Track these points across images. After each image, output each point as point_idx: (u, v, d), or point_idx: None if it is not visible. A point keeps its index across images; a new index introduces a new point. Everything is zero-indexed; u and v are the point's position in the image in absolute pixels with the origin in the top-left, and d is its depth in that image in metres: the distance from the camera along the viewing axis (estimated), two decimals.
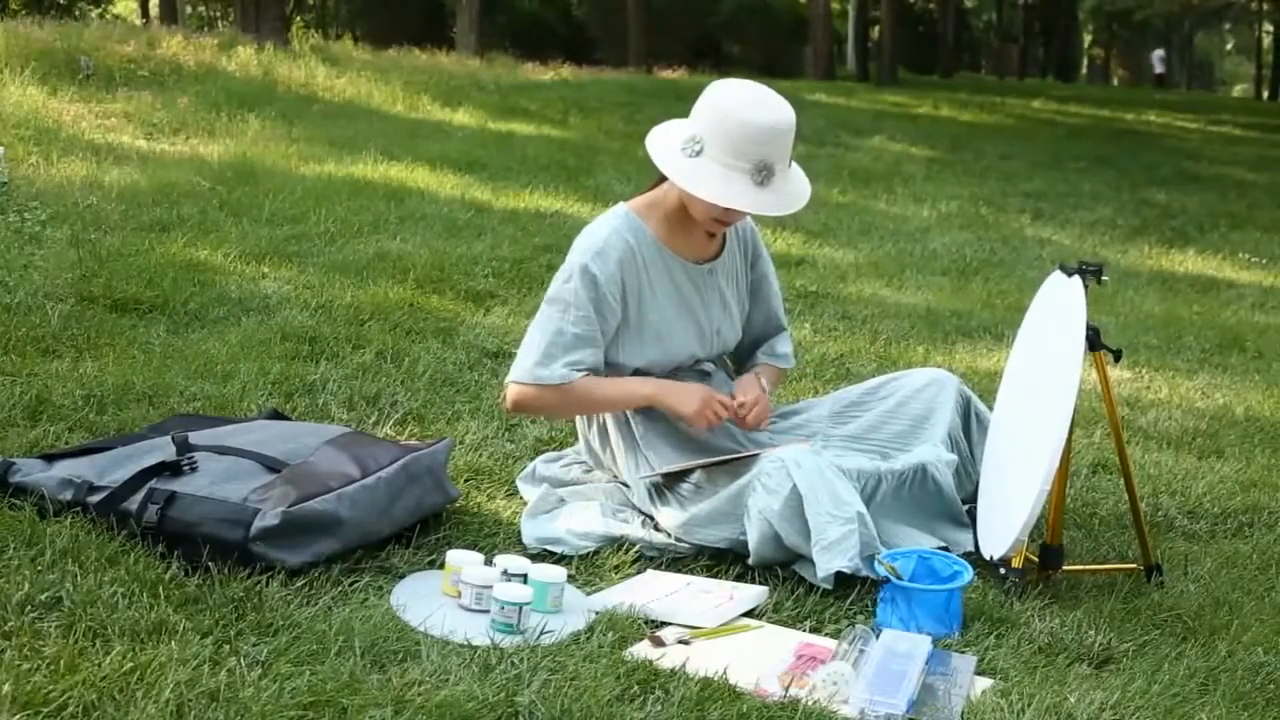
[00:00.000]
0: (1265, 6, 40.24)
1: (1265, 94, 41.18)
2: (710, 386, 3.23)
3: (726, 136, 2.90)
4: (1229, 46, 62.20)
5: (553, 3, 30.91)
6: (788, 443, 3.13)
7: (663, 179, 3.07)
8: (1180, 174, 12.66)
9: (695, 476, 3.04)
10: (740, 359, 3.37)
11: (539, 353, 3.01)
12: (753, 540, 2.86)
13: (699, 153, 2.93)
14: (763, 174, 2.92)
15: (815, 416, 3.29)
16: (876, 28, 33.38)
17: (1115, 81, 54.18)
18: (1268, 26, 44.59)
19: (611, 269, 3.02)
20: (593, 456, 3.26)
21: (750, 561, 2.89)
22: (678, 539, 3.00)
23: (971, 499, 3.17)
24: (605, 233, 3.06)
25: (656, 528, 3.04)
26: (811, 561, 2.79)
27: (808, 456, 2.86)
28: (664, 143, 3.01)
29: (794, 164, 3.03)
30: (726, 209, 2.97)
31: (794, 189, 3.00)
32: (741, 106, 2.92)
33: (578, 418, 3.25)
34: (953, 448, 3.17)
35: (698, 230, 3.11)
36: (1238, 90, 59.16)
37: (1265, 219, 10.21)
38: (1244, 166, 13.97)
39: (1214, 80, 63.40)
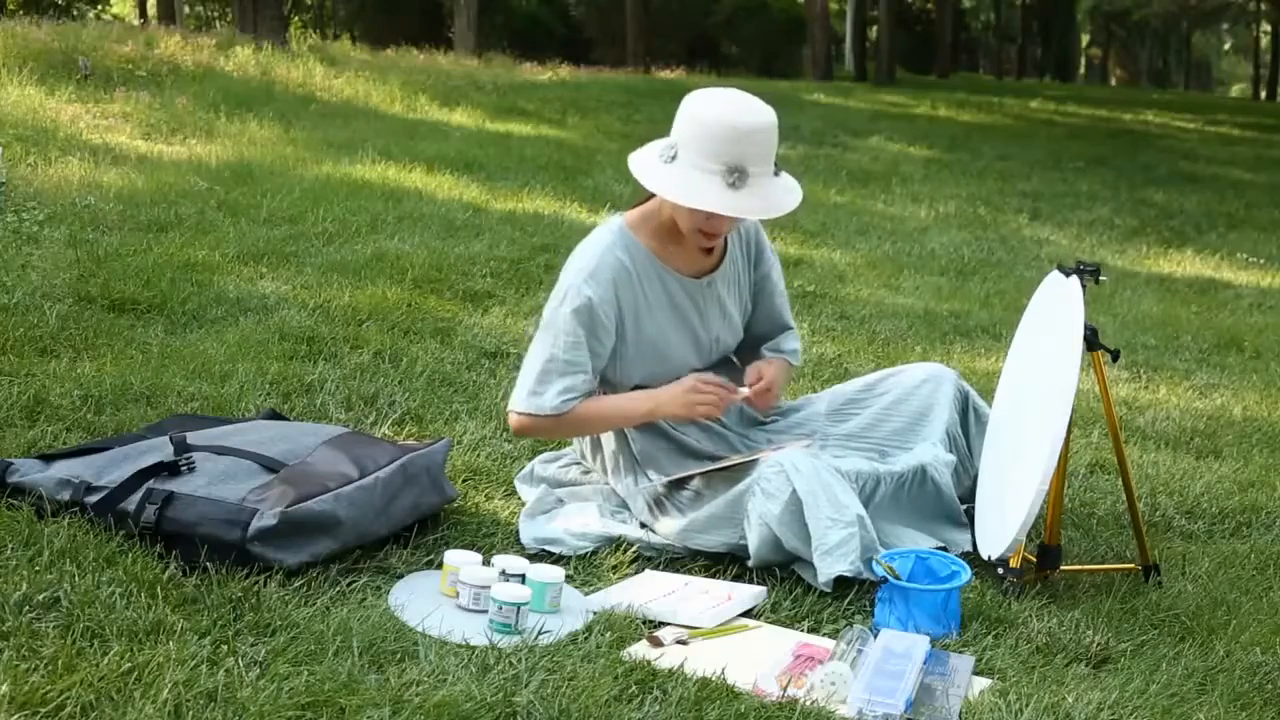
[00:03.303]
0: (1263, 6, 40.28)
1: (1263, 94, 41.21)
2: None
3: (698, 139, 2.87)
4: (1227, 46, 62.23)
5: (551, 3, 30.89)
6: (786, 442, 3.13)
7: None
8: (1178, 174, 12.66)
9: (694, 483, 3.03)
10: (743, 359, 3.34)
11: (533, 380, 3.00)
12: (753, 544, 2.86)
13: (674, 158, 2.91)
14: (734, 175, 2.86)
15: (813, 414, 3.28)
16: (874, 28, 33.40)
17: (1113, 81, 54.22)
18: (1265, 26, 44.62)
19: (605, 290, 2.98)
20: (585, 454, 3.24)
21: (750, 564, 2.89)
22: (678, 544, 3.00)
23: (969, 496, 3.17)
24: (599, 251, 3.02)
25: (654, 532, 3.04)
26: (811, 564, 2.79)
27: (806, 460, 2.86)
28: (644, 152, 3.00)
29: (784, 173, 2.97)
30: (710, 219, 2.93)
31: (774, 195, 2.93)
32: (712, 109, 2.90)
33: None
34: (951, 445, 3.17)
35: (691, 242, 3.07)
36: (1235, 90, 59.20)
37: (1263, 219, 10.21)
38: (1241, 166, 13.97)
39: (1212, 80, 63.47)
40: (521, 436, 3.32)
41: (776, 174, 2.94)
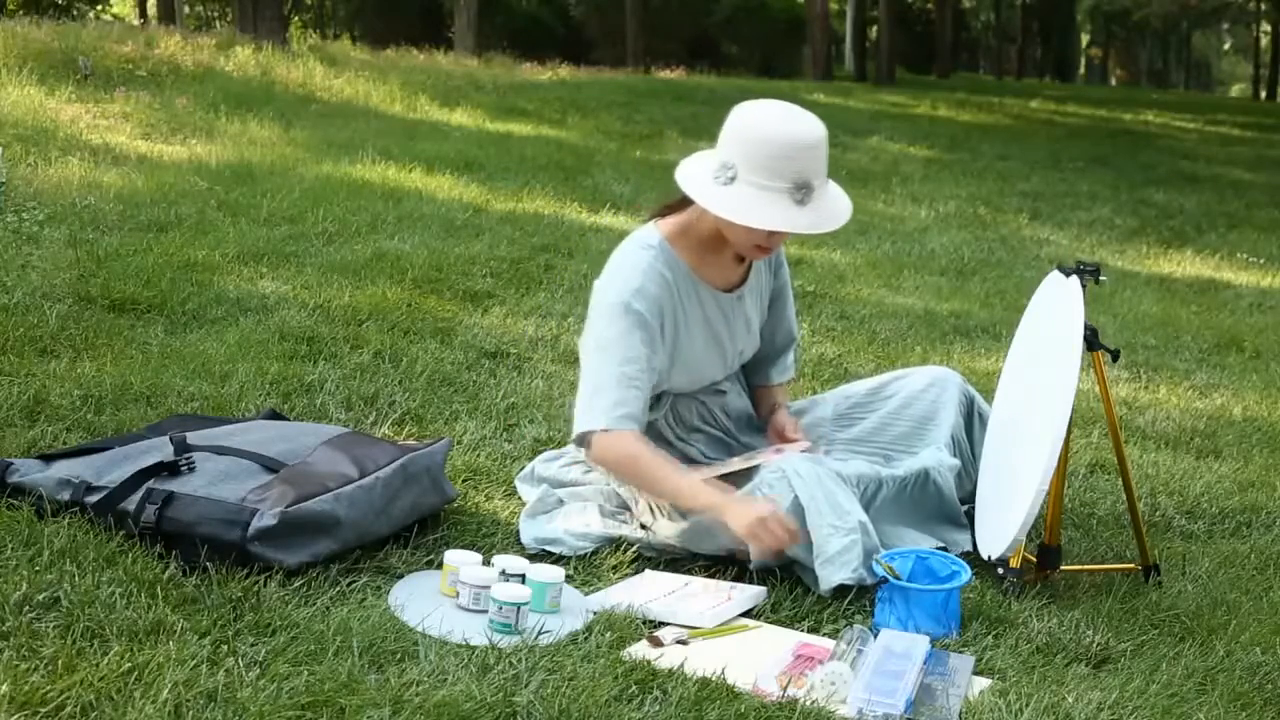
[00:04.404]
0: (1263, 6, 40.29)
1: (1263, 94, 41.22)
2: (725, 400, 3.20)
3: (759, 157, 2.82)
4: (1226, 46, 62.25)
5: (550, 3, 30.89)
6: (788, 446, 3.12)
7: (688, 200, 3.01)
8: (1178, 174, 12.66)
9: None
10: (750, 370, 3.33)
11: (588, 397, 2.91)
12: (755, 550, 2.86)
13: (732, 179, 2.84)
14: (802, 192, 2.83)
15: (820, 418, 3.27)
16: (874, 28, 33.39)
17: (1113, 81, 54.24)
18: (1265, 26, 44.63)
19: (654, 305, 2.94)
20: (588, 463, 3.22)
21: (751, 566, 2.89)
22: (679, 545, 2.99)
23: (970, 499, 3.17)
24: (643, 267, 2.96)
25: (654, 533, 3.03)
26: (812, 569, 2.79)
27: (808, 465, 2.85)
28: (694, 174, 2.92)
29: (830, 180, 2.94)
30: (770, 234, 2.90)
31: (834, 205, 2.91)
32: (770, 125, 2.85)
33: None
34: (955, 449, 3.17)
35: (726, 256, 3.05)
36: (1235, 90, 59.22)
37: (1263, 219, 10.21)
38: (1241, 166, 13.97)
39: (1212, 80, 63.49)
40: (599, 465, 3.06)
41: (827, 181, 2.92)
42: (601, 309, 2.96)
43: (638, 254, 2.99)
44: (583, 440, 2.95)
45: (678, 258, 3.02)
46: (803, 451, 3.04)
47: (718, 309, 3.09)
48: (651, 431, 3.10)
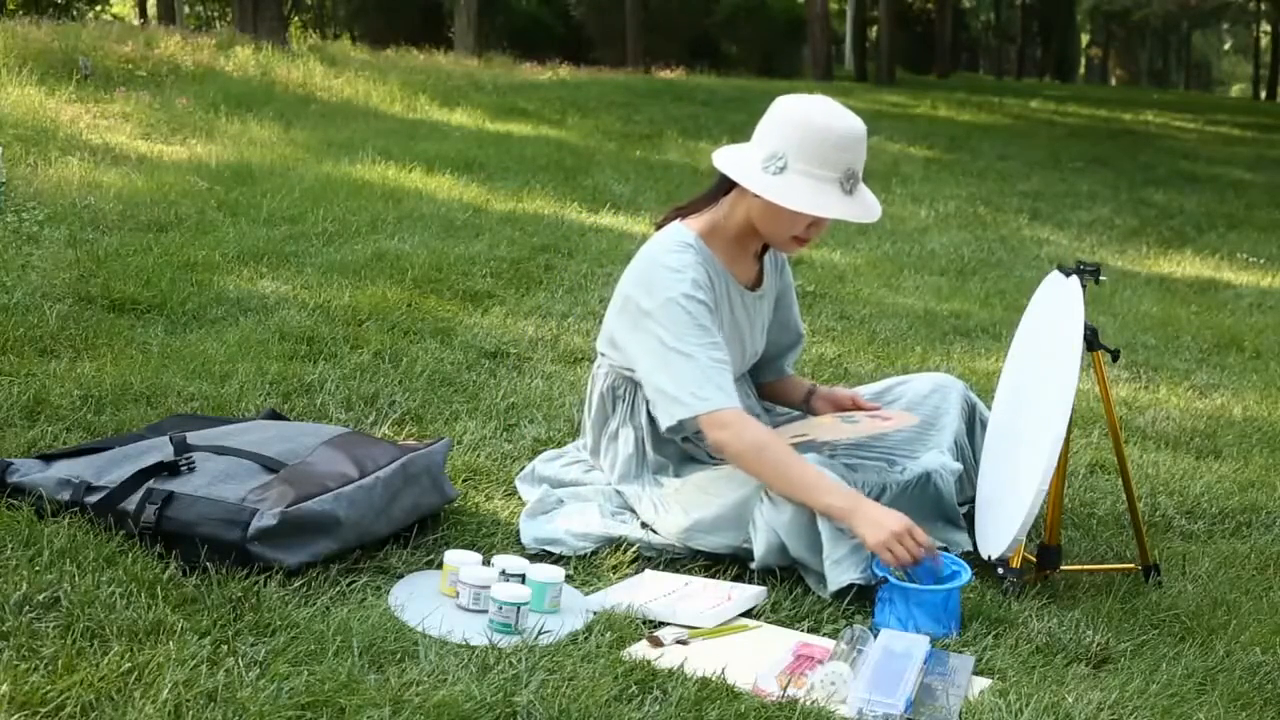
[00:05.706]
0: (1263, 6, 40.31)
1: (1263, 94, 41.23)
2: None
3: (811, 146, 2.86)
4: (1227, 46, 62.28)
5: (550, 3, 30.88)
6: (894, 412, 3.18)
7: (710, 198, 3.03)
8: (1178, 174, 12.66)
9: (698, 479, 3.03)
10: (760, 369, 3.34)
11: (693, 383, 2.86)
12: (759, 549, 2.85)
13: (783, 169, 2.88)
14: (850, 182, 2.90)
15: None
16: (874, 28, 33.40)
17: (1113, 81, 54.26)
18: (1265, 26, 44.64)
19: (710, 297, 2.96)
20: (595, 452, 3.22)
21: (754, 567, 2.89)
22: (681, 544, 2.99)
23: (971, 503, 3.17)
24: (690, 263, 2.96)
25: (655, 532, 3.03)
26: (814, 571, 2.79)
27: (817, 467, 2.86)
28: (740, 164, 2.94)
29: None
30: (810, 226, 2.93)
31: (872, 198, 2.98)
32: (823, 117, 2.90)
33: (588, 416, 3.21)
34: (958, 454, 3.17)
35: (749, 253, 3.09)
36: (1235, 90, 59.25)
37: (1263, 219, 10.22)
38: (1241, 166, 13.98)
39: (1212, 80, 63.53)
40: (720, 447, 2.91)
41: None
42: (660, 306, 2.93)
43: (680, 254, 2.98)
44: (681, 426, 2.92)
45: (712, 255, 3.03)
46: (909, 425, 3.13)
47: (743, 307, 3.12)
48: (657, 430, 3.10)
